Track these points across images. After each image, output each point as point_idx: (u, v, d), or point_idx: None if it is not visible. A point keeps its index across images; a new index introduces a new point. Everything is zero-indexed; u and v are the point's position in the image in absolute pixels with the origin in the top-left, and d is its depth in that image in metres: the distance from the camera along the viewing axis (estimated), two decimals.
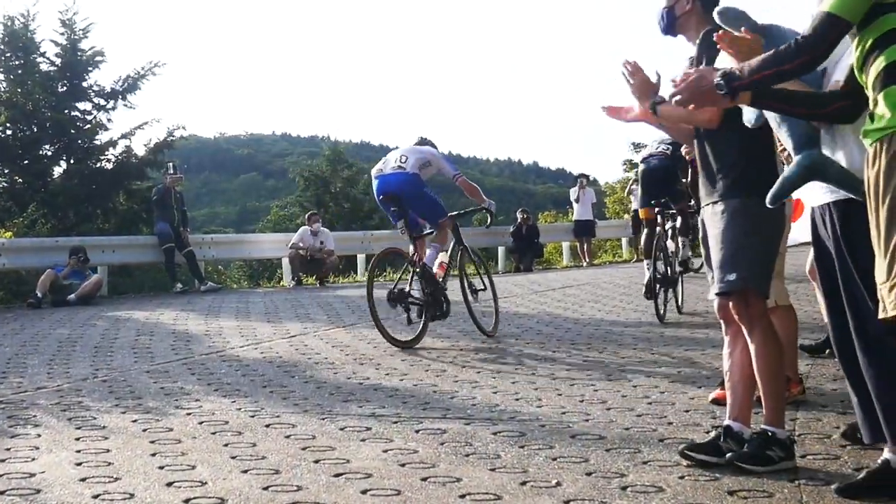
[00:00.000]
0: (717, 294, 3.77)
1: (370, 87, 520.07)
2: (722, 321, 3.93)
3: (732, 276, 3.67)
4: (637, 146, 36.08)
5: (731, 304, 3.74)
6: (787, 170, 3.34)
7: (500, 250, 19.82)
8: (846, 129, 3.22)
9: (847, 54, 3.20)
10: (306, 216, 17.30)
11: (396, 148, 8.85)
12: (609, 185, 39.88)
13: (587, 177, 20.97)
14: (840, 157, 3.27)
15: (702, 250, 4.02)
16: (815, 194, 3.42)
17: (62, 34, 19.45)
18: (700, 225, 3.97)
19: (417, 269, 7.87)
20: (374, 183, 8.45)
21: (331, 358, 7.03)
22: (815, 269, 3.53)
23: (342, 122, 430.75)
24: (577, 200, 19.86)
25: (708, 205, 3.83)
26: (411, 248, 8.29)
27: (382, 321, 7.55)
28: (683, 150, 4.59)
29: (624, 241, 22.99)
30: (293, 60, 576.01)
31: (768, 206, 3.41)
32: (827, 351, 6.17)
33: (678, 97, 3.09)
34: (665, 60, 5.97)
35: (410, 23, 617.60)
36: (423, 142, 8.90)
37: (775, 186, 3.35)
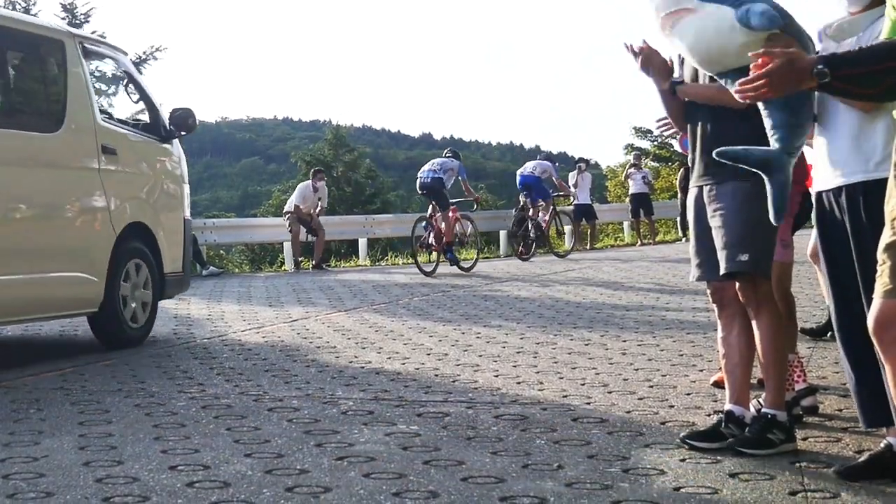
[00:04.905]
0: (725, 274, 3.71)
1: (372, 72, 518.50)
2: (716, 304, 3.91)
3: (745, 257, 3.63)
4: (639, 130, 36.04)
5: (738, 285, 3.72)
6: (771, 185, 3.25)
7: (502, 234, 19.80)
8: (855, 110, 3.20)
9: (856, 39, 3.18)
10: (311, 172, 17.21)
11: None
12: (611, 168, 39.84)
13: (587, 161, 20.90)
14: (847, 137, 3.25)
15: (690, 232, 3.97)
16: (824, 178, 3.39)
17: (63, 18, 19.42)
18: (693, 206, 3.89)
19: None
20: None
21: (332, 342, 7.04)
22: (818, 252, 3.50)
23: (344, 106, 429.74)
24: (575, 185, 19.80)
25: (710, 185, 3.76)
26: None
27: None
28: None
29: (625, 224, 22.97)
30: (295, 44, 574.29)
31: (774, 223, 3.34)
32: (829, 334, 6.18)
33: (764, 83, 2.70)
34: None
35: (413, 6, 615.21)
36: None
37: (774, 204, 3.26)
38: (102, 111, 7.29)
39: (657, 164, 34.50)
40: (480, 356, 6.22)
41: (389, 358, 6.24)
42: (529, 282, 11.73)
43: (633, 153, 25.84)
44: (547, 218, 17.17)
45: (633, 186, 20.81)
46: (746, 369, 3.83)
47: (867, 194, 3.18)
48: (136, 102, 7.68)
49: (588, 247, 19.59)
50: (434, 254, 13.74)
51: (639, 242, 20.38)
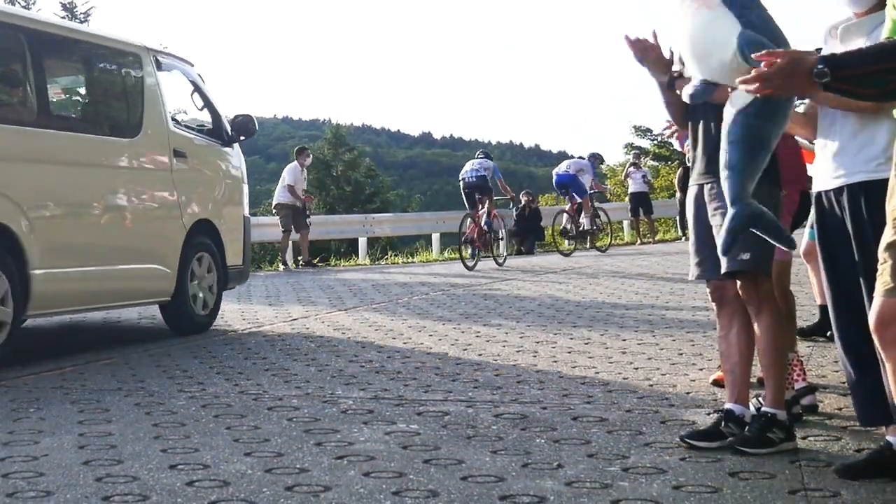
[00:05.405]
0: (726, 273, 3.70)
1: (372, 71, 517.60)
2: (716, 303, 3.90)
3: (746, 256, 3.62)
4: (638, 129, 36.06)
5: (739, 283, 3.72)
6: (728, 221, 3.30)
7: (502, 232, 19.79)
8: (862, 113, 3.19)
9: (863, 41, 3.17)
10: (295, 150, 16.88)
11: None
12: (610, 167, 39.84)
13: None
14: (853, 140, 3.24)
15: (690, 230, 3.96)
16: (825, 178, 3.38)
17: (63, 17, 19.42)
18: (693, 204, 3.88)
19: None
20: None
21: (333, 341, 7.04)
22: (813, 251, 3.50)
23: (344, 105, 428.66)
24: None
25: (710, 183, 3.73)
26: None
27: None
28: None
29: (625, 223, 22.96)
30: (295, 44, 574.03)
31: (721, 255, 3.45)
32: (829, 333, 6.17)
33: (767, 82, 2.68)
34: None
35: (413, 5, 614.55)
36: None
37: (724, 240, 3.34)
38: (172, 117, 7.86)
39: (657, 163, 34.54)
40: (480, 355, 6.22)
41: (389, 357, 6.24)
42: (529, 281, 11.73)
43: (633, 152, 25.86)
44: (587, 217, 17.68)
45: (633, 185, 20.82)
46: (746, 368, 3.82)
47: (869, 194, 3.18)
48: (201, 110, 8.20)
49: (588, 245, 19.58)
50: (476, 249, 14.19)
51: (638, 241, 20.39)
